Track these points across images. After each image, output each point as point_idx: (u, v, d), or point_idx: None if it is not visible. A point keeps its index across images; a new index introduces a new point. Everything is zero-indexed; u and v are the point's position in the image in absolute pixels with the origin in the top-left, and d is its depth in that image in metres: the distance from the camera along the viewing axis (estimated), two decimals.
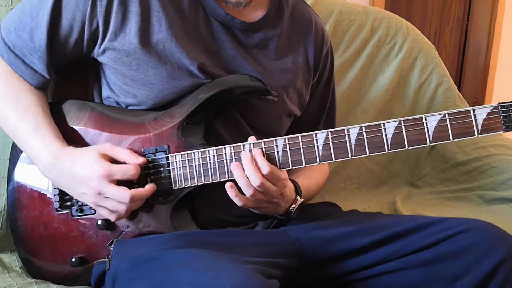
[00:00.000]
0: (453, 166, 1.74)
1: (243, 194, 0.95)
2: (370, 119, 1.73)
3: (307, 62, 1.17)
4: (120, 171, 0.93)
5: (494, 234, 0.93)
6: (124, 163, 0.96)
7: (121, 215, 0.97)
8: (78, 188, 0.96)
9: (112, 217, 0.98)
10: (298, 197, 1.06)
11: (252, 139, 0.97)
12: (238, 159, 0.96)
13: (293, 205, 1.05)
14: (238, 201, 0.96)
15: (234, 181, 0.95)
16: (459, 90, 1.91)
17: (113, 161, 0.96)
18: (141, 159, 0.96)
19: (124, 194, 0.93)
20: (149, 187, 0.96)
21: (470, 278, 0.90)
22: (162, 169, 1.00)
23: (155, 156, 1.00)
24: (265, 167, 0.93)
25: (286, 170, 0.98)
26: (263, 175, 0.93)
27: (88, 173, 0.93)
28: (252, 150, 0.96)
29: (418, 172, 1.80)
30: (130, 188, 0.95)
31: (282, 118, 1.15)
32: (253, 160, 0.94)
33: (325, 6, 1.68)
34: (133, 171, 0.94)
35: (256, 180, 0.93)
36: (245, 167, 0.94)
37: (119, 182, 0.95)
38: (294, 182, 1.07)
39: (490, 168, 1.64)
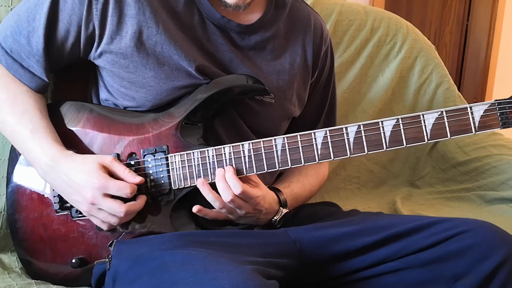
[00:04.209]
0: (453, 166, 1.73)
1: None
2: (370, 119, 1.71)
3: (305, 61, 1.17)
4: (116, 187, 0.93)
5: (495, 235, 0.92)
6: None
7: (113, 226, 0.98)
8: (72, 195, 0.96)
9: (103, 227, 0.99)
10: (281, 208, 1.06)
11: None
12: (238, 164, 0.97)
13: (276, 217, 1.05)
14: (209, 217, 1.00)
15: None
16: (459, 90, 1.91)
17: (111, 174, 0.96)
18: (138, 179, 0.96)
19: (118, 209, 0.94)
20: (142, 200, 0.97)
21: (471, 279, 0.90)
22: (161, 169, 1.00)
23: (154, 156, 1.00)
24: (238, 187, 0.95)
25: (282, 171, 0.99)
26: (235, 195, 0.95)
27: (84, 183, 0.94)
28: (225, 167, 0.97)
29: (418, 172, 1.80)
30: None
31: (280, 119, 1.15)
32: (225, 179, 0.96)
33: (325, 6, 1.68)
34: (128, 189, 0.93)
35: (227, 196, 0.95)
36: (217, 184, 0.96)
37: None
38: (277, 193, 1.08)
39: (490, 168, 1.63)
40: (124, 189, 0.93)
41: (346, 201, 1.58)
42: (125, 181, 0.95)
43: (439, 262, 0.93)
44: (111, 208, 0.94)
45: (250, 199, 0.97)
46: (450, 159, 1.75)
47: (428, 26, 3.35)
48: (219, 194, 0.97)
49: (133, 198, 0.97)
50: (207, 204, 1.05)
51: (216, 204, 0.97)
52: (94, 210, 0.95)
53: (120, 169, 0.96)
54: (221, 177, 0.96)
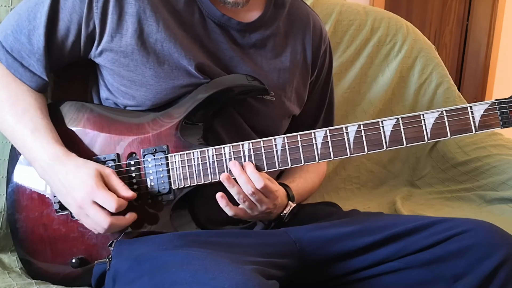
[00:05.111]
0: (453, 166, 1.73)
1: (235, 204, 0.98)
2: (370, 119, 1.70)
3: (305, 60, 1.17)
4: (103, 198, 0.92)
5: (495, 235, 0.92)
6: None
7: (100, 233, 0.97)
8: (65, 196, 0.96)
9: (93, 230, 0.98)
10: (290, 203, 1.07)
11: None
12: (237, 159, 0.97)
13: (285, 211, 1.06)
14: (228, 211, 0.98)
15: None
16: (459, 90, 1.91)
17: (108, 186, 0.95)
18: (130, 193, 0.95)
19: (103, 220, 0.93)
20: (130, 216, 0.96)
21: (471, 279, 0.90)
22: (161, 169, 1.00)
23: (154, 156, 1.00)
24: (260, 181, 0.95)
25: (283, 169, 0.98)
26: (257, 189, 0.95)
27: (77, 185, 0.93)
28: (244, 163, 0.97)
29: (418, 172, 1.80)
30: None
31: (281, 118, 1.16)
32: (245, 173, 0.95)
33: (325, 6, 1.68)
34: (115, 203, 0.91)
35: (249, 189, 0.95)
36: (238, 179, 0.95)
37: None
38: (286, 188, 1.08)
39: (490, 168, 1.64)
40: (110, 202, 0.92)
41: (346, 201, 1.58)
42: (117, 193, 0.94)
43: (439, 262, 0.93)
44: (96, 216, 0.93)
45: (270, 193, 0.97)
46: (450, 159, 1.75)
47: (428, 26, 3.35)
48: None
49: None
50: (207, 204, 1.05)
51: (246, 188, 0.95)
52: (82, 215, 0.95)
53: (116, 182, 0.95)
54: (240, 171, 0.95)
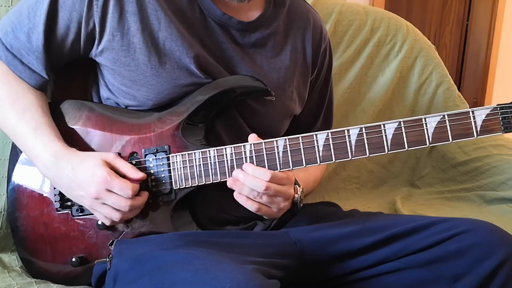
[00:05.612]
0: (453, 166, 1.74)
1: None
2: (370, 119, 1.73)
3: (305, 58, 1.17)
4: (119, 186, 0.93)
5: (495, 235, 0.93)
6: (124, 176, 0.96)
7: (115, 221, 0.97)
8: (75, 191, 0.96)
9: (106, 222, 0.98)
10: (297, 186, 1.05)
11: (252, 137, 0.97)
12: (239, 165, 0.97)
13: (296, 195, 1.04)
14: (250, 207, 0.96)
15: None
16: (459, 90, 1.92)
17: (115, 171, 0.96)
18: (140, 174, 0.96)
19: (124, 203, 0.94)
20: (144, 195, 0.97)
21: (471, 279, 0.90)
22: (163, 169, 1.00)
23: (155, 156, 1.00)
24: (266, 173, 0.94)
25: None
26: (268, 181, 0.94)
27: (88, 178, 0.94)
28: (243, 166, 0.96)
29: (418, 172, 1.80)
30: None
31: (281, 118, 1.15)
32: (249, 174, 0.95)
33: (325, 6, 1.68)
34: (130, 190, 0.93)
35: (261, 186, 0.93)
36: (246, 182, 0.94)
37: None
38: None
39: (490, 168, 1.64)
40: (126, 189, 0.93)
41: (346, 201, 1.58)
42: (127, 176, 0.95)
43: (439, 262, 0.94)
44: (116, 203, 0.94)
45: (283, 179, 0.97)
46: (450, 159, 1.75)
47: (428, 26, 3.36)
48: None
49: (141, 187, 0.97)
50: (208, 205, 1.05)
51: (257, 186, 0.94)
52: (97, 205, 0.95)
53: (122, 165, 0.96)
54: (244, 175, 0.95)
